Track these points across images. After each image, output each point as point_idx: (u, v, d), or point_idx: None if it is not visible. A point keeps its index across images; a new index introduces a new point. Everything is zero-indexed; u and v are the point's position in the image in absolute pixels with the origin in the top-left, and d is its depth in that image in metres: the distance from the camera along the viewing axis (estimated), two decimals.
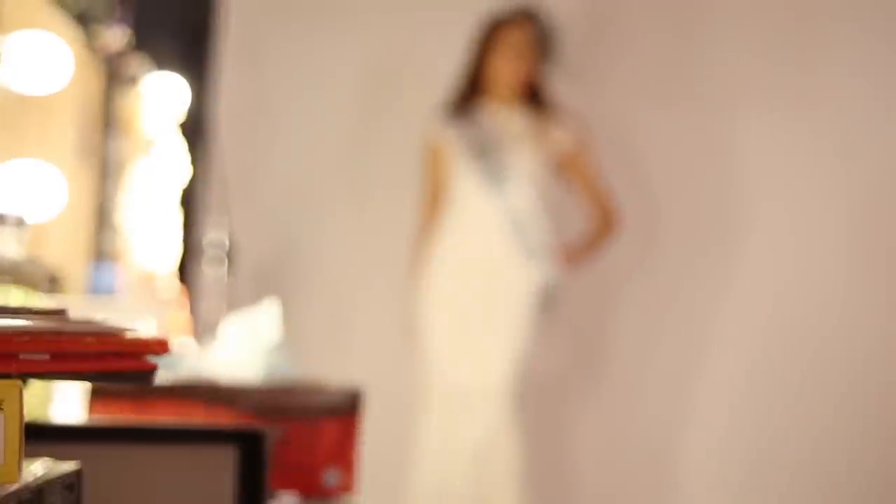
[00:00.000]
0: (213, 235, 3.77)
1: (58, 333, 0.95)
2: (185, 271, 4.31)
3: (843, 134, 4.46)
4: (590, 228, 3.91)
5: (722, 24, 4.51)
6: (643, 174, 4.49)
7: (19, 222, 1.60)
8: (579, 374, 4.40)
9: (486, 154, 3.77)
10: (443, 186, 3.83)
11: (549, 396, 4.29)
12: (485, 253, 3.69)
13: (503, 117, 3.77)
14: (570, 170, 3.83)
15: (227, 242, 3.75)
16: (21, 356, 0.90)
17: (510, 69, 3.71)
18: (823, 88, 4.45)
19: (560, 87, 3.90)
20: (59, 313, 1.05)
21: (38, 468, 0.99)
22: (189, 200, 4.42)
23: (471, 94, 3.81)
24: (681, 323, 4.45)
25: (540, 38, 3.76)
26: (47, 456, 1.06)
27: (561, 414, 4.41)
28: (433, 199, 3.87)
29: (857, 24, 4.45)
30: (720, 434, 4.42)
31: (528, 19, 3.76)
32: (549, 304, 3.69)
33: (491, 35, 3.77)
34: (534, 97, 3.79)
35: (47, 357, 0.91)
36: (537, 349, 3.69)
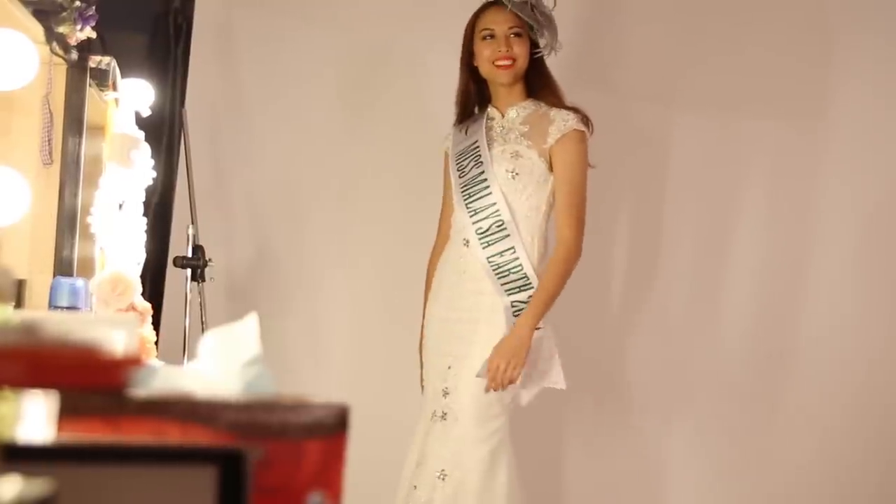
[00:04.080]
0: (184, 245, 3.76)
1: (32, 347, 0.95)
2: (156, 282, 4.30)
3: (852, 140, 4.49)
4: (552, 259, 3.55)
5: (729, 27, 4.53)
6: (647, 178, 4.51)
7: None
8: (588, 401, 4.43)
9: (461, 165, 3.71)
10: (447, 198, 3.76)
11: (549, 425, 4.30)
12: (458, 272, 3.64)
13: (500, 118, 3.67)
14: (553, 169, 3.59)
15: (199, 252, 3.73)
16: None
17: (492, 60, 3.62)
18: (833, 95, 4.49)
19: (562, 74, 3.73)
20: (32, 327, 1.06)
21: (9, 489, 0.99)
22: (160, 208, 4.41)
23: (474, 93, 3.72)
24: (685, 328, 4.48)
25: (527, 19, 3.60)
26: (18, 477, 1.05)
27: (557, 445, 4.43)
28: (443, 209, 3.79)
29: (869, 30, 4.49)
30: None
31: (505, 2, 3.62)
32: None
33: (472, 25, 3.70)
34: (534, 87, 3.64)
35: (22, 371, 0.91)
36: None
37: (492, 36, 3.63)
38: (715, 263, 4.50)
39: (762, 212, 4.50)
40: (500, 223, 3.57)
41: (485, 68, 3.64)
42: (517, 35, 3.63)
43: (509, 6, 3.63)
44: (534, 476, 4.00)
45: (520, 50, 3.62)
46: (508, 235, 3.56)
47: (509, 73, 3.62)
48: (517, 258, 3.54)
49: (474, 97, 3.72)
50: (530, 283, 3.53)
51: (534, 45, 3.64)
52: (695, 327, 4.48)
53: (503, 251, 3.55)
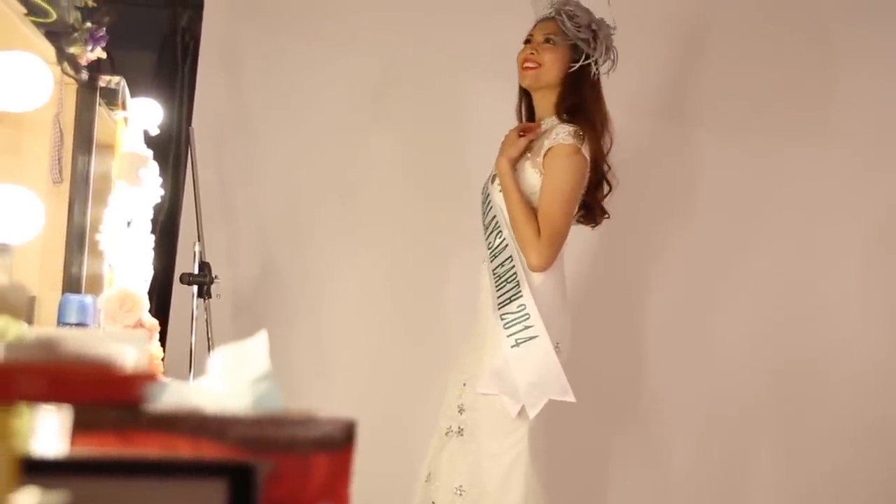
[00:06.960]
0: (191, 262, 3.78)
1: (50, 363, 0.98)
2: (163, 299, 4.32)
3: (859, 154, 4.52)
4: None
5: (739, 42, 4.56)
6: (663, 195, 4.53)
7: (3, 248, 1.62)
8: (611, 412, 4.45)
9: (484, 187, 3.71)
10: None
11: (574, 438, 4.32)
12: (480, 291, 3.64)
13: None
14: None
15: (205, 269, 3.76)
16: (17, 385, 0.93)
17: (520, 61, 3.59)
18: (838, 111, 4.52)
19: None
20: (49, 343, 1.08)
21: (26, 502, 1.01)
22: (166, 225, 4.44)
23: (524, 107, 3.68)
24: (697, 336, 4.50)
25: (565, 29, 3.55)
26: (35, 489, 1.08)
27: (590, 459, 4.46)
28: None
29: (880, 44, 4.52)
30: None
31: (552, 15, 3.57)
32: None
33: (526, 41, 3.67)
34: (567, 103, 3.57)
35: (41, 386, 0.94)
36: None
37: (529, 41, 3.62)
38: (732, 278, 4.53)
39: (778, 226, 4.53)
40: (501, 233, 3.56)
41: (518, 70, 3.62)
42: (551, 42, 3.59)
43: (552, 13, 3.60)
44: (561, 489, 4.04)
45: (548, 56, 3.56)
46: (507, 246, 3.54)
47: (529, 74, 3.56)
48: (513, 265, 3.52)
49: (524, 110, 3.69)
50: (520, 292, 3.52)
51: (585, 58, 3.58)
52: (710, 340, 4.51)
53: (504, 261, 3.55)
